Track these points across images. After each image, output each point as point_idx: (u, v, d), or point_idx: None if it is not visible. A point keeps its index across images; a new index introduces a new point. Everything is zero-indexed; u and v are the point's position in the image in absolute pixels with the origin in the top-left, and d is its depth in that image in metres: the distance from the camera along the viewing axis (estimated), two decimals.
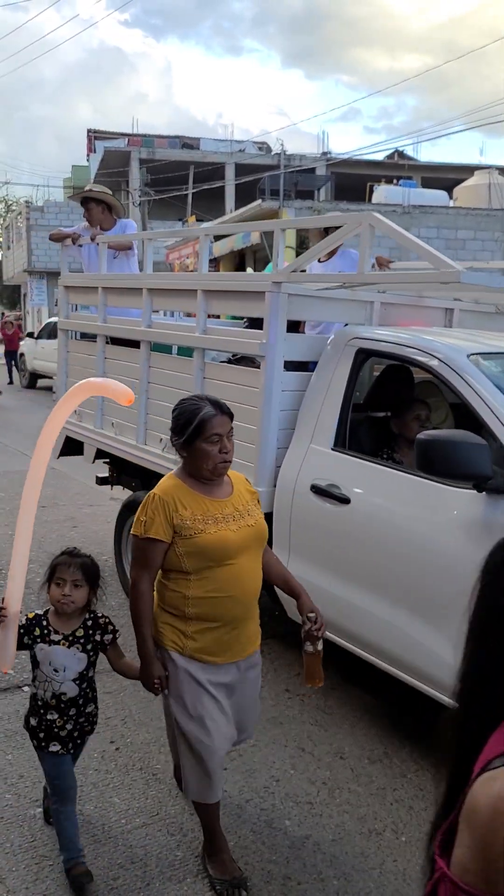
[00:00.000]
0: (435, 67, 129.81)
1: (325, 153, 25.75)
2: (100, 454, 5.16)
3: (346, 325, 4.01)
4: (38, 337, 17.94)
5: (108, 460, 5.26)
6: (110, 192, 5.58)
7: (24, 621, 2.44)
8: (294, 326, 3.99)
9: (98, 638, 2.49)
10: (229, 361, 4.17)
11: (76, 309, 5.78)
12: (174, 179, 24.33)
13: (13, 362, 18.91)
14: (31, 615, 2.49)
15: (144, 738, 3.22)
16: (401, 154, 26.89)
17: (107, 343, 5.03)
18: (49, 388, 17.62)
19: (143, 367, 4.50)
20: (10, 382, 18.63)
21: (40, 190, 45.56)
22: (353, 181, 21.29)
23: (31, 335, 19.12)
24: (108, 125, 31.60)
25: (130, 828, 2.65)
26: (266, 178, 16.80)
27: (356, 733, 3.28)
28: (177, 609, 2.36)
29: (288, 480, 3.44)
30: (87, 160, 32.82)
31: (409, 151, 28.32)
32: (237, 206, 23.10)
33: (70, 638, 2.44)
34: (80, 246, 5.44)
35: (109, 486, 5.64)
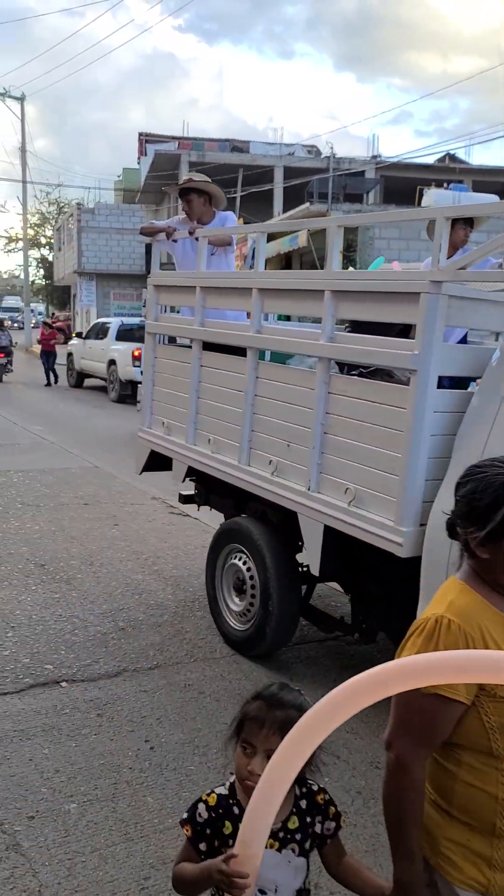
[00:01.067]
0: (488, 70, 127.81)
1: (374, 156, 25.57)
2: (190, 471, 4.64)
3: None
4: (86, 337, 18.21)
5: (194, 477, 4.78)
6: (210, 181, 5.03)
7: (203, 814, 1.52)
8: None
9: (318, 828, 1.53)
10: (360, 374, 3.60)
11: (165, 310, 5.30)
12: (223, 182, 24.41)
13: (47, 364, 18.74)
14: (211, 798, 1.55)
15: (179, 738, 3.21)
16: (452, 157, 26.55)
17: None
18: (96, 388, 17.88)
19: (250, 378, 3.92)
20: (48, 384, 18.50)
21: (91, 192, 46.23)
22: (402, 185, 21.10)
23: (79, 335, 19.43)
24: (159, 129, 31.91)
25: (163, 828, 2.64)
26: (314, 181, 16.76)
27: None
28: (476, 818, 1.45)
29: (442, 519, 2.76)
30: (138, 163, 33.23)
31: (460, 155, 27.92)
32: (285, 209, 23.10)
33: (281, 834, 1.48)
34: (175, 241, 4.95)
35: (196, 506, 5.17)
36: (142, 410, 5.24)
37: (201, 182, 4.94)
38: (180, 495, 5.20)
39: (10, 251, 50.13)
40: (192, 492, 5.00)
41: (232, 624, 4.12)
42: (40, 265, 47.71)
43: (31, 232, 40.95)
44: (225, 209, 5.10)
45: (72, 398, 16.81)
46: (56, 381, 18.78)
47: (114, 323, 17.34)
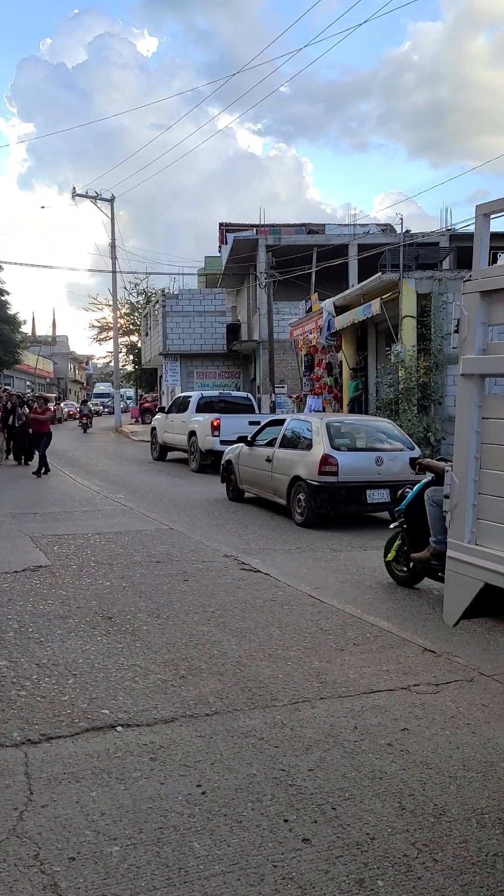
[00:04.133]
0: None
1: (448, 228, 25.78)
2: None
3: None
4: (168, 411, 18.75)
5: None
6: None
7: None
8: None
9: None
10: None
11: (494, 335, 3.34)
12: (298, 261, 25.16)
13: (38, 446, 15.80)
14: None
15: (233, 784, 3.01)
16: None
17: None
18: (179, 461, 18.22)
19: None
20: (38, 473, 15.22)
21: (175, 281, 48.57)
22: None
23: (161, 409, 20.06)
24: (239, 220, 33.51)
25: (208, 874, 2.44)
26: (387, 252, 16.95)
27: (463, 793, 2.91)
28: None
29: None
30: (219, 251, 34.78)
31: None
32: (359, 283, 23.44)
33: None
34: None
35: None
36: (451, 514, 3.32)
37: None
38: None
39: (101, 340, 52.77)
40: None
41: None
42: (130, 352, 49.99)
43: (121, 321, 43.17)
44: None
45: (154, 470, 17.16)
46: (46, 472, 15.32)
47: (194, 396, 17.79)
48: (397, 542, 6.50)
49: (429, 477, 6.32)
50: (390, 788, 2.98)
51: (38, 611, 5.35)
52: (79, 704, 3.75)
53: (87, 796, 2.92)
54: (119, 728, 3.51)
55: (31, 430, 16.75)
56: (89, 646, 4.63)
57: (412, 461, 7.56)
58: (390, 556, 6.65)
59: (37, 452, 16.07)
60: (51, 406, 16.83)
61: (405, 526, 6.32)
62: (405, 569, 6.51)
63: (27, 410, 17.73)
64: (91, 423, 33.97)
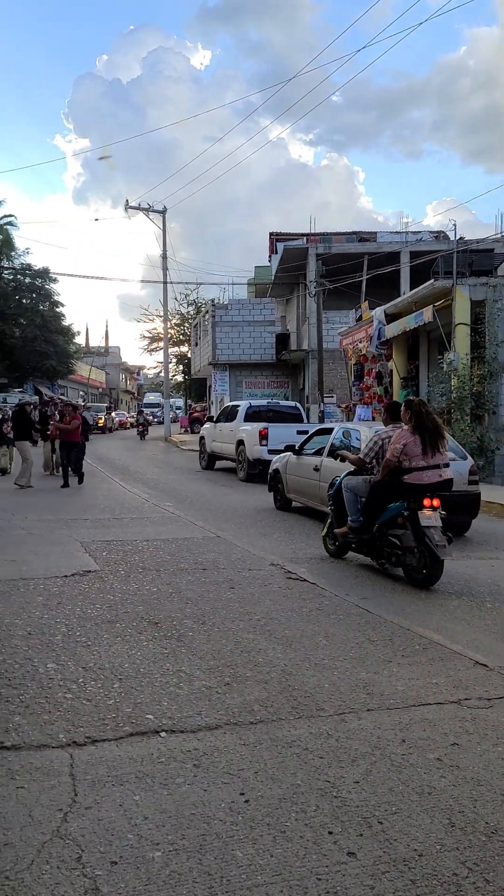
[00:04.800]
0: None
1: (503, 234, 25.31)
2: None
3: None
4: (217, 420, 18.85)
5: None
6: None
7: None
8: None
9: None
10: None
11: None
12: (348, 269, 25.06)
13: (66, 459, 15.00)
14: None
15: (277, 793, 2.96)
16: None
17: None
18: (227, 470, 18.29)
19: None
20: (66, 485, 14.40)
21: (225, 292, 48.96)
22: None
23: (210, 419, 20.20)
24: (290, 229, 33.60)
25: (251, 884, 2.40)
26: (440, 259, 16.74)
27: None
28: None
29: None
30: (269, 260, 34.91)
31: None
32: (411, 290, 23.18)
33: None
34: None
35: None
36: None
37: None
38: None
39: (152, 350, 53.49)
40: None
41: None
42: (180, 362, 50.53)
43: (171, 332, 43.68)
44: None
45: (202, 479, 17.24)
46: (80, 482, 14.89)
47: (242, 405, 17.85)
48: (328, 521, 7.87)
49: (352, 467, 7.65)
50: (439, 804, 2.88)
51: (86, 615, 5.40)
52: (123, 709, 3.75)
53: (130, 800, 2.91)
54: (163, 733, 3.50)
55: (60, 441, 15.33)
56: (135, 650, 4.65)
57: (332, 451, 9.51)
58: (324, 532, 8.09)
59: (62, 461, 14.98)
60: (80, 415, 15.88)
61: (332, 508, 7.80)
62: (335, 543, 7.88)
63: (57, 417, 16.45)
64: (147, 430, 36.79)
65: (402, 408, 7.22)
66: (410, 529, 6.71)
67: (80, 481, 14.87)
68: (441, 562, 6.57)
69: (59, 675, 4.19)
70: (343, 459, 7.95)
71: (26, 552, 7.71)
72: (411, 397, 8.61)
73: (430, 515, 6.60)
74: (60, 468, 15.15)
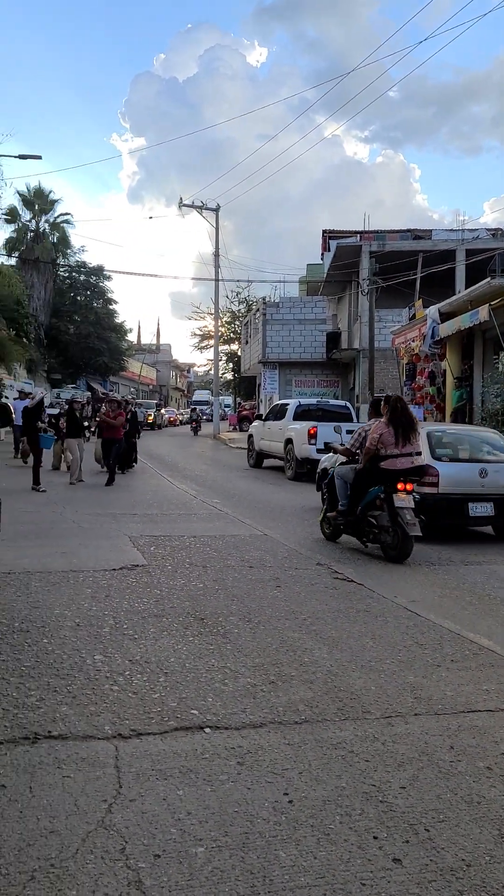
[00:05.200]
0: None
1: None
2: None
3: None
4: (266, 419, 18.83)
5: None
6: None
7: None
8: None
9: None
10: None
11: None
12: (402, 267, 24.72)
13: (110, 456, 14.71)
14: None
15: (321, 795, 2.93)
16: None
17: None
18: (275, 468, 18.26)
19: None
20: (110, 483, 14.04)
21: (277, 290, 48.93)
22: None
23: (259, 417, 20.18)
24: (343, 228, 33.28)
25: (293, 885, 2.37)
26: (497, 257, 16.37)
27: None
28: None
29: None
30: (322, 258, 34.72)
31: None
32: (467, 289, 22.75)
33: None
34: None
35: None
36: None
37: None
38: None
39: (203, 348, 53.82)
40: None
41: None
42: (230, 360, 50.71)
43: (221, 330, 43.87)
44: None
45: (250, 477, 17.26)
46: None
47: (292, 404, 17.78)
48: (324, 508, 8.52)
49: (343, 458, 8.53)
50: (489, 814, 2.81)
51: (133, 608, 5.44)
52: (168, 703, 3.76)
53: (174, 794, 2.91)
54: (207, 729, 3.50)
55: (102, 437, 15.05)
56: (181, 645, 4.66)
57: (325, 444, 10.99)
58: (320, 517, 8.91)
59: (105, 458, 14.70)
60: (124, 411, 15.49)
61: (326, 494, 8.75)
62: (330, 526, 8.68)
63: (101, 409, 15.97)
64: (200, 427, 38.78)
65: (382, 403, 8.27)
66: (387, 510, 7.62)
67: (110, 481, 14.03)
68: (411, 538, 7.50)
69: (106, 667, 4.23)
70: (335, 451, 8.88)
71: (76, 545, 7.83)
72: (389, 394, 9.34)
73: (404, 498, 7.52)
74: (105, 466, 14.76)
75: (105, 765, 3.11)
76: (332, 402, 20.13)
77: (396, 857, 2.53)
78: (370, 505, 7.85)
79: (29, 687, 3.89)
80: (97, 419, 15.91)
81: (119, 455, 14.83)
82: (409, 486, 7.58)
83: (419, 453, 7.97)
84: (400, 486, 7.54)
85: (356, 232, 29.93)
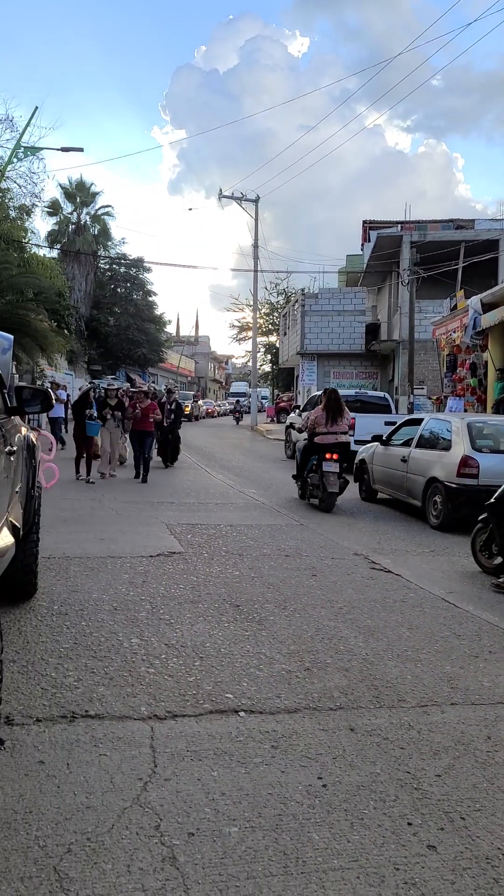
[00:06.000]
0: None
1: None
2: None
3: None
4: (303, 409, 18.75)
5: None
6: None
7: None
8: None
9: None
10: None
11: None
12: (444, 257, 24.35)
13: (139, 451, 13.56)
14: None
15: (356, 780, 2.92)
16: None
17: None
18: None
19: None
20: (138, 477, 13.30)
21: (316, 281, 48.62)
22: None
23: (296, 408, 20.14)
24: (384, 218, 32.91)
25: (326, 868, 2.37)
26: None
27: None
28: None
29: None
30: (362, 249, 34.40)
31: None
32: None
33: None
34: None
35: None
36: None
37: None
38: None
39: (241, 340, 53.84)
40: None
41: None
42: (268, 352, 50.63)
43: (260, 321, 43.81)
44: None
45: (287, 467, 17.20)
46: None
47: None
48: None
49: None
50: None
51: (169, 594, 5.49)
52: (204, 686, 3.79)
53: (208, 775, 2.93)
54: (242, 713, 3.51)
55: (131, 430, 13.88)
56: (216, 631, 4.69)
57: (290, 425, 15.00)
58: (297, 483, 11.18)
59: (135, 453, 13.60)
60: (155, 401, 14.50)
61: (298, 464, 11.05)
62: (300, 489, 11.12)
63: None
64: (242, 417, 41.29)
65: (321, 393, 11.01)
66: (318, 473, 10.13)
67: (144, 478, 12.96)
68: (333, 494, 10.07)
69: (142, 650, 4.28)
70: (297, 430, 11.45)
71: (114, 532, 7.92)
72: (327, 387, 11.74)
73: (330, 465, 9.98)
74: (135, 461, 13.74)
75: (140, 744, 3.15)
76: (371, 393, 19.95)
77: (431, 843, 2.51)
78: (310, 469, 10.49)
79: (67, 668, 3.96)
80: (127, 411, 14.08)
81: (150, 450, 13.45)
82: (335, 456, 10.01)
83: (345, 433, 10.44)
84: (328, 455, 9.99)
85: (397, 222, 29.56)
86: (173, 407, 16.08)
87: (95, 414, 13.20)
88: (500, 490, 6.36)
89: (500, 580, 6.17)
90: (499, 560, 6.48)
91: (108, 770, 2.92)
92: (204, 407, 52.03)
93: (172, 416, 15.84)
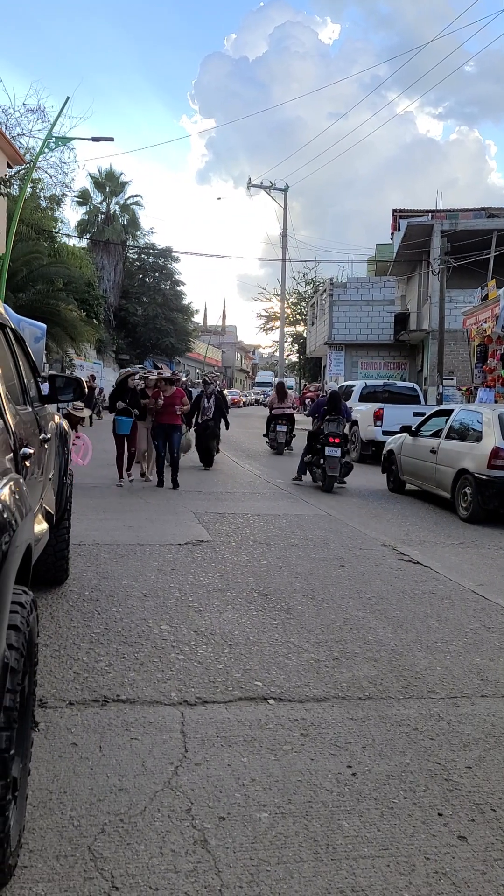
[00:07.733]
0: None
1: None
2: None
3: None
4: (310, 414, 18.68)
5: None
6: None
7: None
8: None
9: None
10: None
11: None
12: (475, 246, 24.02)
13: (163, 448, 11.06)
14: None
15: (385, 769, 2.93)
16: None
17: None
18: None
19: None
20: (160, 484, 10.92)
21: (345, 270, 48.31)
22: None
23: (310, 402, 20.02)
24: (415, 207, 32.54)
25: (356, 855, 2.38)
26: None
27: None
28: None
29: None
30: (391, 238, 34.07)
31: None
32: None
33: None
34: None
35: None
36: None
37: None
38: None
39: (268, 329, 53.72)
40: None
41: None
42: (295, 342, 50.49)
43: (287, 311, 43.65)
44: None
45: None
46: (175, 485, 10.64)
47: (358, 385, 17.61)
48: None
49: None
50: None
51: (198, 582, 5.53)
52: (233, 673, 3.82)
53: (238, 761, 2.96)
54: (271, 701, 3.53)
55: (153, 424, 11.08)
56: (245, 619, 4.71)
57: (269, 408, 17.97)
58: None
59: (157, 451, 11.10)
60: (181, 388, 11.79)
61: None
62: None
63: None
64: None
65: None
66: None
67: (175, 483, 10.68)
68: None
69: (171, 636, 4.32)
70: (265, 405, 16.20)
71: (143, 520, 7.98)
72: (280, 381, 17.34)
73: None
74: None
75: (171, 729, 3.19)
76: (399, 383, 19.81)
77: (461, 834, 2.51)
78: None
79: (98, 653, 4.01)
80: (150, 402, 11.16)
81: (178, 448, 10.94)
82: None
83: (289, 408, 16.80)
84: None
85: (427, 211, 29.22)
86: (212, 402, 13.67)
87: (124, 406, 10.79)
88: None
89: None
90: None
91: (139, 753, 2.96)
92: (230, 397, 52.12)
93: (211, 413, 13.53)
